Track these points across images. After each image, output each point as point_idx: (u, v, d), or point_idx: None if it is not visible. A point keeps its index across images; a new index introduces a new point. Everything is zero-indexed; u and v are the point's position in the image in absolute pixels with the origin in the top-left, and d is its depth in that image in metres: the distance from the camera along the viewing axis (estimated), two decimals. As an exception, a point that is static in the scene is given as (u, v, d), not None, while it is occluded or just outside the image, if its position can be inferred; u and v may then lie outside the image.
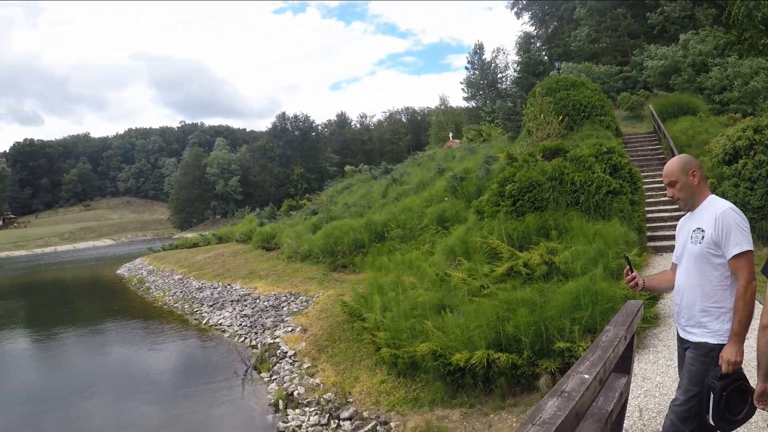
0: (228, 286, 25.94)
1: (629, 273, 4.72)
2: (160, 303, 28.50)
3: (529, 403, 8.86)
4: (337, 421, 10.86)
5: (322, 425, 10.95)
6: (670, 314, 10.35)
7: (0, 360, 23.54)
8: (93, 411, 14.76)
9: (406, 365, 10.98)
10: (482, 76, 78.63)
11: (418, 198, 24.61)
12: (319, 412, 11.47)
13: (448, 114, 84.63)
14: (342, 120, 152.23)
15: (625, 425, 5.86)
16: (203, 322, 22.40)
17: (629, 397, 6.37)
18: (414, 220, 22.49)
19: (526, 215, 15.44)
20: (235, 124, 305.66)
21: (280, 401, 12.59)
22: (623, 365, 4.83)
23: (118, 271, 46.71)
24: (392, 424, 9.85)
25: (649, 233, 17.83)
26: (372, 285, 15.07)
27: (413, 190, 26.97)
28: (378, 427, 9.92)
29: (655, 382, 8.06)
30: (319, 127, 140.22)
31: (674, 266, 4.70)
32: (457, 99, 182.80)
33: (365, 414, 10.58)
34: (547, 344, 9.36)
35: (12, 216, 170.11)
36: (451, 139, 57.15)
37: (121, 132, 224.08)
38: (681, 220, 4.70)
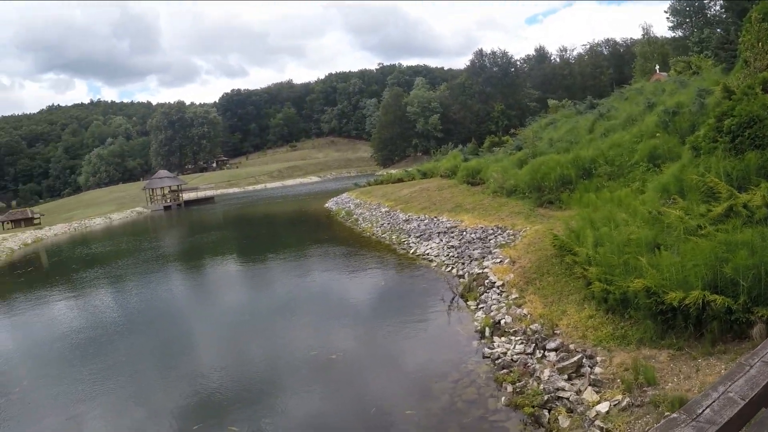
0: (434, 219, 26.64)
1: None
2: (368, 234, 29.96)
3: (738, 352, 8.50)
4: (542, 351, 11.05)
5: (527, 354, 11.21)
6: None
7: (216, 281, 26.13)
8: (302, 329, 16.23)
9: (617, 301, 10.84)
10: (688, 2, 73.23)
11: (626, 134, 23.57)
12: (524, 341, 11.74)
13: (653, 45, 79.52)
14: (541, 54, 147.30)
15: None
16: (410, 252, 23.51)
17: None
18: (623, 156, 21.68)
19: (746, 153, 14.48)
20: (433, 63, 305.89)
21: (487, 329, 13.04)
22: None
23: (326, 205, 49.08)
24: (598, 359, 9.86)
25: None
26: (584, 220, 14.86)
27: (621, 126, 25.94)
28: (584, 360, 9.96)
29: None
30: (518, 63, 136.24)
31: None
32: (662, 29, 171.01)
33: (571, 347, 10.65)
34: (765, 291, 8.87)
35: (225, 158, 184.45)
36: (657, 72, 53.88)
37: (322, 77, 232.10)
38: None
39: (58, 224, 68.24)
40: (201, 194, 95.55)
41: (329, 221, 40.29)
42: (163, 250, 40.23)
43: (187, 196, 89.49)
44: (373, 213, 34.55)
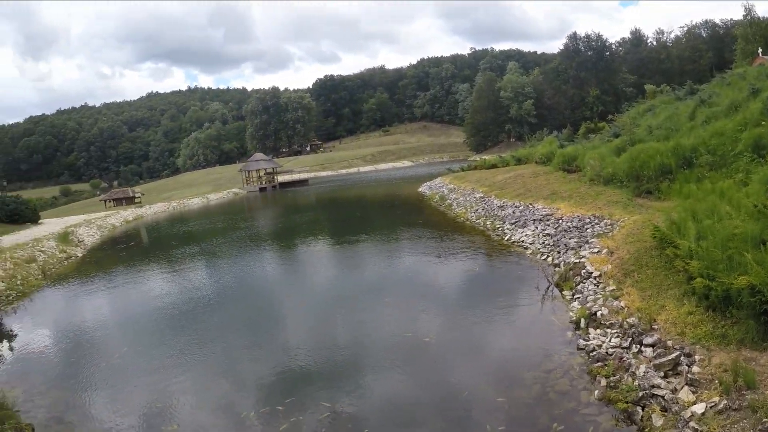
0: (529, 206, 26.53)
1: None
2: (462, 219, 30.27)
3: None
4: (638, 346, 10.79)
5: (623, 348, 11.02)
6: None
7: (307, 261, 26.99)
8: (395, 310, 16.58)
9: (719, 298, 10.35)
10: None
11: (729, 122, 22.44)
12: (620, 334, 11.55)
13: (756, 26, 75.55)
14: (636, 37, 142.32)
15: None
16: (505, 239, 23.60)
17: None
18: (725, 146, 20.78)
19: None
20: (525, 47, 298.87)
21: (582, 320, 12.95)
22: None
23: (419, 190, 49.46)
24: (696, 357, 9.54)
25: None
26: (686, 211, 14.50)
27: (723, 113, 24.81)
28: (681, 358, 9.66)
29: None
30: (613, 46, 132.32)
31: None
32: (766, 8, 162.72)
33: (669, 343, 10.35)
34: None
35: (318, 142, 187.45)
36: (760, 55, 51.49)
37: (414, 62, 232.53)
38: None
39: (157, 203, 71.34)
40: (295, 177, 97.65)
41: (422, 205, 40.72)
42: (257, 230, 41.94)
43: (282, 178, 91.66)
44: (467, 198, 34.74)
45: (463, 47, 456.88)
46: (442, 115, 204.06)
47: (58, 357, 16.02)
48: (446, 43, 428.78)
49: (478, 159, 71.95)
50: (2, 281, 25.11)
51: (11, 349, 17.35)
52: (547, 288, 16.27)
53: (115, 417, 11.32)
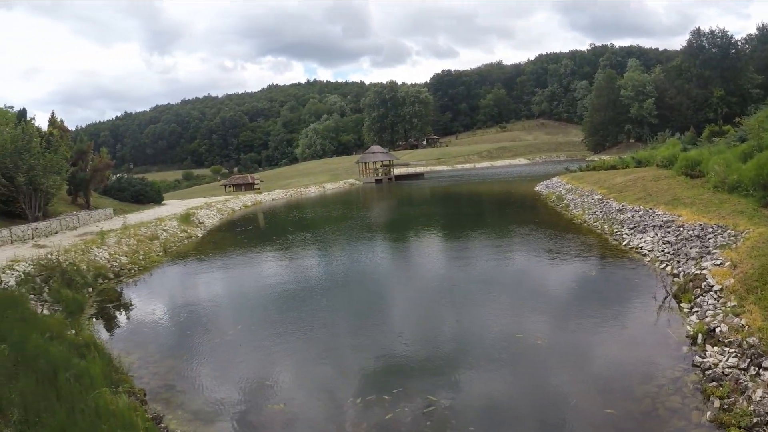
0: (649, 211, 25.50)
1: None
2: (578, 220, 29.55)
3: None
4: (757, 368, 10.03)
5: (740, 369, 10.27)
6: None
7: (417, 253, 26.95)
8: (503, 309, 16.25)
9: None
10: None
11: None
12: (739, 354, 10.75)
13: None
14: (764, 34, 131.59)
15: None
16: (623, 244, 22.72)
17: None
18: None
19: None
20: (646, 43, 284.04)
21: (699, 335, 12.15)
22: None
23: (536, 188, 48.75)
24: None
25: None
26: None
27: None
28: None
29: None
30: (739, 44, 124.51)
31: None
32: None
33: None
34: None
35: (435, 137, 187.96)
36: None
37: (532, 58, 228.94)
38: None
39: (275, 190, 73.32)
40: (411, 170, 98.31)
41: (538, 205, 40.14)
42: (371, 220, 42.48)
43: (398, 171, 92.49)
44: (585, 200, 33.93)
45: (581, 43, 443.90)
46: (560, 112, 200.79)
47: (174, 329, 16.81)
48: (564, 38, 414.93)
49: (596, 159, 70.28)
50: (126, 256, 26.53)
51: (130, 318, 18.37)
52: (665, 299, 15.47)
53: (224, 390, 11.70)
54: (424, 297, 18.68)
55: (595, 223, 27.66)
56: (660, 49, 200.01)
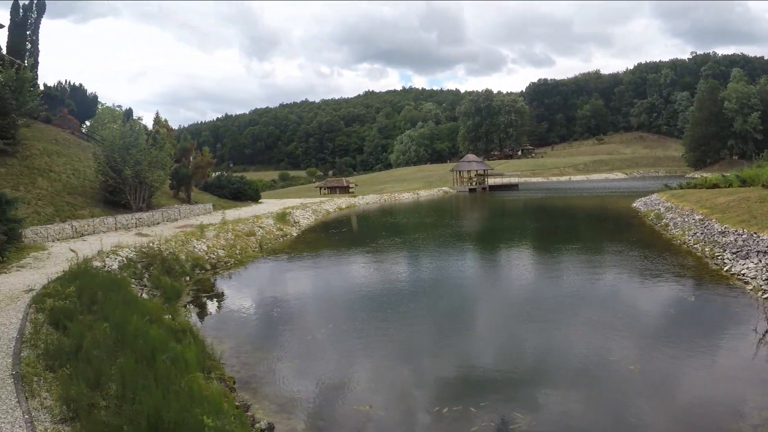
0: (753, 235, 23.75)
1: None
2: (677, 241, 28.32)
3: None
4: None
5: None
6: None
7: (504, 266, 26.54)
8: (589, 329, 15.54)
9: None
10: None
11: None
12: None
13: None
14: None
15: None
16: (724, 269, 21.25)
17: None
18: None
19: None
20: (751, 51, 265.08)
21: None
22: None
23: (633, 205, 47.42)
24: None
25: None
26: None
27: None
28: None
29: None
30: None
31: None
32: None
33: None
34: None
35: (530, 147, 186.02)
36: None
37: (631, 67, 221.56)
38: None
39: (370, 194, 73.87)
40: (505, 180, 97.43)
41: (635, 222, 38.89)
42: (462, 229, 42.15)
43: (492, 180, 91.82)
44: (685, 219, 32.54)
45: (683, 51, 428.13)
46: (660, 125, 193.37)
47: (266, 323, 17.21)
48: (664, 46, 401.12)
49: (697, 176, 67.88)
50: (223, 249, 27.34)
51: (224, 308, 18.98)
52: (766, 332, 14.33)
53: (311, 386, 11.84)
54: (510, 310, 18.36)
55: (695, 245, 26.37)
56: (766, 58, 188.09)
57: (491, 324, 17.06)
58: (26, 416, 7.74)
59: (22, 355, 10.13)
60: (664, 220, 34.73)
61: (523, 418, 10.13)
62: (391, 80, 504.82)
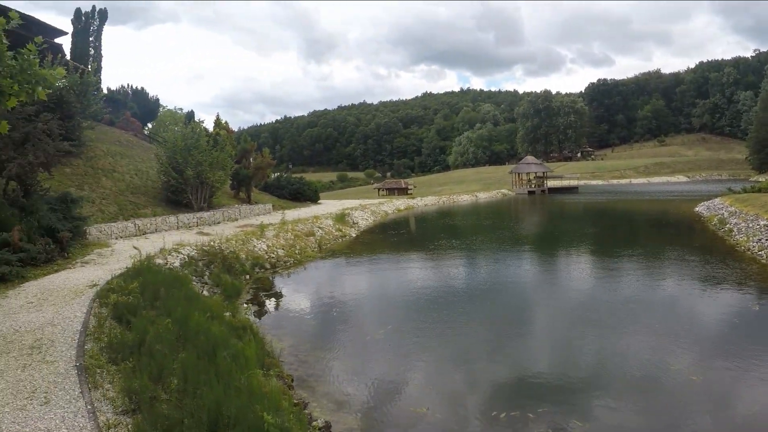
0: None
1: None
2: (741, 248, 27.26)
3: None
4: None
5: None
6: None
7: (562, 271, 25.92)
8: (649, 338, 14.68)
9: None
10: None
11: None
12: None
13: None
14: None
15: None
16: None
17: None
18: None
19: None
20: None
21: None
22: None
23: (696, 209, 46.16)
24: None
25: None
26: None
27: None
28: None
29: None
30: None
31: None
32: None
33: None
34: None
35: (590, 149, 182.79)
36: None
37: (692, 66, 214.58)
38: None
39: (428, 196, 73.90)
40: (565, 183, 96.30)
41: (697, 228, 37.78)
42: (521, 232, 41.64)
43: (551, 183, 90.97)
44: (750, 225, 31.33)
45: (745, 48, 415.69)
46: (723, 126, 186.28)
47: (325, 322, 17.26)
48: (726, 43, 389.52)
49: (762, 180, 65.82)
50: (283, 249, 27.61)
51: (284, 307, 19.15)
52: None
53: (368, 386, 11.84)
54: (569, 314, 17.90)
55: (759, 252, 25.31)
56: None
57: (549, 328, 16.79)
58: (89, 406, 7.91)
59: (85, 347, 10.37)
60: (728, 226, 33.64)
61: (582, 426, 9.92)
62: (448, 81, 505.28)
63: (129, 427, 7.54)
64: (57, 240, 19.74)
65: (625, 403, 11.08)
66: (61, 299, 13.93)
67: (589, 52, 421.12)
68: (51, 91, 11.58)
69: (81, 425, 7.41)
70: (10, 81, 7.74)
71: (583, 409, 10.68)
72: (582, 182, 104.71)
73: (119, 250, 22.22)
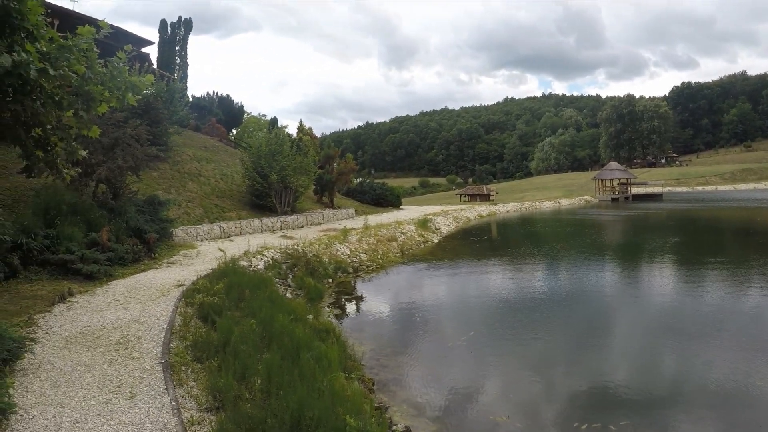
0: None
1: None
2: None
3: None
4: None
5: None
6: None
7: (644, 281, 24.90)
8: (719, 358, 13.71)
9: None
10: None
11: None
12: None
13: None
14: None
15: None
16: None
17: None
18: None
19: None
20: None
21: None
22: None
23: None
24: None
25: None
26: None
27: None
28: None
29: None
30: None
31: None
32: None
33: None
34: None
35: (674, 155, 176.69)
36: None
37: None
38: None
39: (510, 202, 73.02)
40: (649, 190, 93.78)
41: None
42: (603, 240, 40.64)
43: (635, 190, 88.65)
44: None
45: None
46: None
47: (407, 327, 17.12)
48: None
49: None
50: (365, 253, 27.69)
51: (366, 311, 19.14)
52: None
53: (449, 393, 11.72)
54: (650, 324, 17.21)
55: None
56: None
57: (631, 338, 16.17)
58: (173, 403, 8.03)
59: (171, 345, 10.58)
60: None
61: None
62: (530, 86, 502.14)
63: (212, 424, 7.61)
64: (144, 241, 20.35)
65: (709, 418, 10.69)
66: (148, 298, 14.29)
67: (673, 54, 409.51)
68: (140, 97, 11.86)
69: (165, 421, 7.52)
70: (101, 87, 7.89)
71: (665, 423, 10.31)
72: (666, 189, 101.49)
73: (204, 251, 22.75)
